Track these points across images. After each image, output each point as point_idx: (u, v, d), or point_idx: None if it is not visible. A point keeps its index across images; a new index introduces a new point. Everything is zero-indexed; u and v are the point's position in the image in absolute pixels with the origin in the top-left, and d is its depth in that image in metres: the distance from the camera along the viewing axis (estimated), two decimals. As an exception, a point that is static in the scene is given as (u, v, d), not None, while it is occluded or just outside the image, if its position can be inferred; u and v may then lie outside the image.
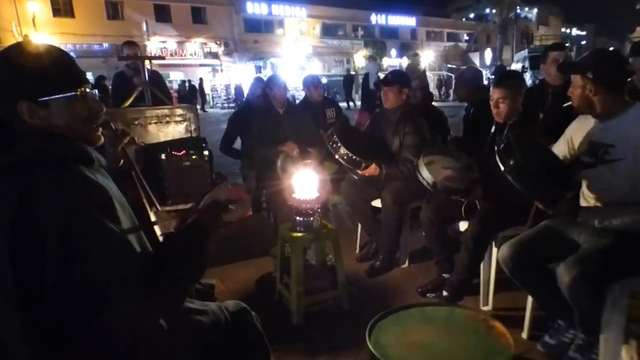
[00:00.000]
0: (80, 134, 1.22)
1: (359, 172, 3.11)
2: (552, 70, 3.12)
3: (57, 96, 1.16)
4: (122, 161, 1.62)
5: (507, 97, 2.54)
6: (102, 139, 1.32)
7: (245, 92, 8.92)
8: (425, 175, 2.51)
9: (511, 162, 1.89)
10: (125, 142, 1.63)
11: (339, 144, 3.03)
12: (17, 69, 1.14)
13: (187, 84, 23.37)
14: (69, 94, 1.17)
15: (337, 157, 3.07)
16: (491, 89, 2.63)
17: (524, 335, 2.32)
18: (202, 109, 22.34)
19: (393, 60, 32.56)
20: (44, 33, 21.36)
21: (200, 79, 25.05)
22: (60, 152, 1.14)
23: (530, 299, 2.27)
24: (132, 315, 1.10)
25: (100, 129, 1.31)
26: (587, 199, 2.12)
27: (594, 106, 1.98)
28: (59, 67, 1.19)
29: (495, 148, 1.98)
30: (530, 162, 1.93)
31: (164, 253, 1.24)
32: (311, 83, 4.62)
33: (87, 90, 1.22)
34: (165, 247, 1.31)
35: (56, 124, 1.17)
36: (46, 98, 1.14)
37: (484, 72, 23.44)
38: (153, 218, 1.55)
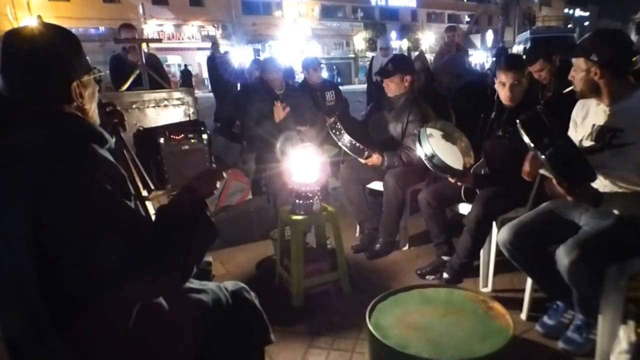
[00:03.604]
0: (92, 114, 1.25)
1: (362, 160, 3.08)
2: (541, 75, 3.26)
3: (88, 77, 1.20)
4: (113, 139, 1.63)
5: (520, 80, 2.50)
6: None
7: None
8: (425, 146, 2.45)
9: (546, 140, 1.68)
10: (115, 121, 1.63)
11: (342, 131, 2.97)
12: (69, 49, 1.17)
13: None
14: (95, 75, 1.22)
15: (340, 144, 3.02)
16: (500, 73, 2.51)
17: (523, 316, 2.33)
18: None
19: (393, 43, 32.17)
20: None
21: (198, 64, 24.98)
22: (74, 132, 1.15)
23: (529, 281, 2.28)
24: (146, 284, 1.11)
25: None
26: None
27: (599, 90, 1.91)
28: (81, 48, 1.23)
29: (518, 121, 1.77)
30: (567, 142, 1.78)
31: (159, 220, 1.25)
32: (310, 65, 4.58)
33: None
34: (160, 216, 1.31)
35: (86, 105, 1.20)
36: (85, 78, 1.18)
37: (485, 54, 23.04)
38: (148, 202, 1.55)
